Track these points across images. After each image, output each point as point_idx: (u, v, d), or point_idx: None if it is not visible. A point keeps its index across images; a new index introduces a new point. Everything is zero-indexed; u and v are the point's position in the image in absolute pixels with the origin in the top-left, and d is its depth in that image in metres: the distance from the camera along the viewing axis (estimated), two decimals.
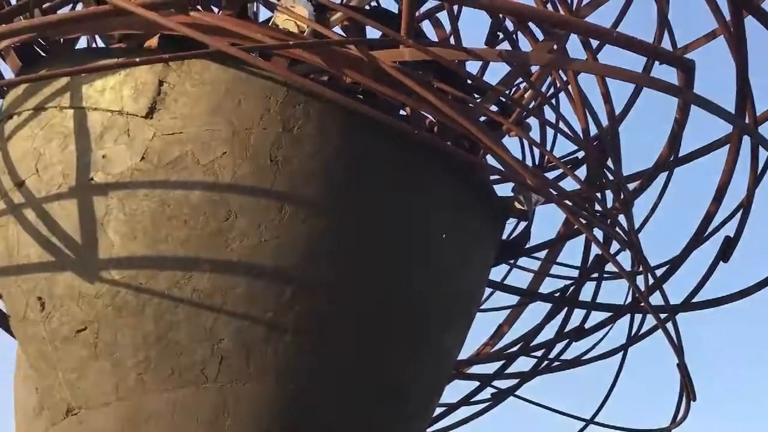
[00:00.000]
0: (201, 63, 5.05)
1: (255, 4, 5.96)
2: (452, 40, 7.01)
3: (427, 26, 7.17)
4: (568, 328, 6.96)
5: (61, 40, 5.43)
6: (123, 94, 5.09)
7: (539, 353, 7.01)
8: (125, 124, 5.05)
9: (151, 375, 4.93)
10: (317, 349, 5.16)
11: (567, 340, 6.98)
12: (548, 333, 7.00)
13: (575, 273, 7.00)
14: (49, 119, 5.16)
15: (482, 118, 5.85)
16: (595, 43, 6.31)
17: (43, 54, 5.48)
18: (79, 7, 5.83)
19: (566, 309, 6.98)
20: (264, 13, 6.50)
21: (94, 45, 6.32)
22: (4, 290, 5.28)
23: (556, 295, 7.03)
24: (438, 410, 6.65)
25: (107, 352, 4.95)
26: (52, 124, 5.15)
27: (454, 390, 6.91)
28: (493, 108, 6.05)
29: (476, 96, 6.10)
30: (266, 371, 5.03)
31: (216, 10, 5.60)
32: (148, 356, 4.93)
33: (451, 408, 6.96)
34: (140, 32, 5.23)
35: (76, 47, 5.66)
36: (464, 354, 6.63)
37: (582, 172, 6.73)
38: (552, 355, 7.00)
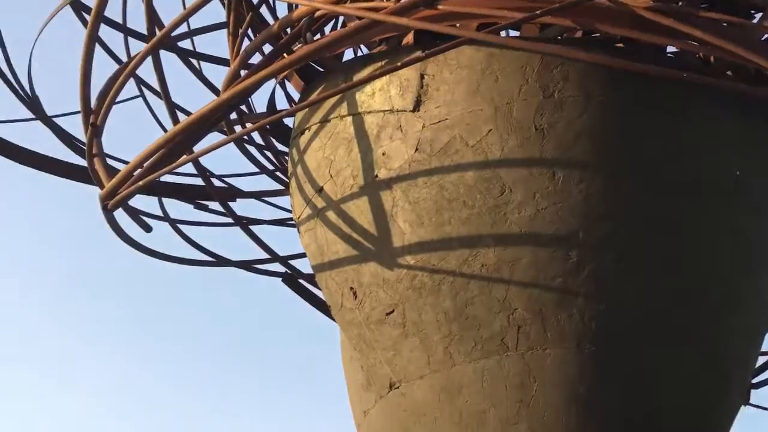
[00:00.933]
0: (455, 49, 5.25)
1: None
2: None
3: None
4: None
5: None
6: (390, 93, 5.48)
7: None
8: (397, 120, 5.44)
9: (457, 347, 5.29)
10: (610, 309, 5.15)
11: None
12: None
13: None
14: (333, 129, 5.72)
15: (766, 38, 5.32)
16: None
17: (320, 69, 6.07)
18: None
19: None
20: None
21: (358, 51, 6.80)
22: (322, 284, 5.98)
23: None
24: (762, 359, 6.21)
25: (415, 330, 5.40)
26: (336, 132, 5.70)
27: None
28: None
29: (754, 13, 5.53)
30: (564, 336, 5.14)
31: None
32: (450, 331, 5.30)
33: None
34: (396, 33, 5.57)
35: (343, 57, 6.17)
36: None
37: None
38: None
